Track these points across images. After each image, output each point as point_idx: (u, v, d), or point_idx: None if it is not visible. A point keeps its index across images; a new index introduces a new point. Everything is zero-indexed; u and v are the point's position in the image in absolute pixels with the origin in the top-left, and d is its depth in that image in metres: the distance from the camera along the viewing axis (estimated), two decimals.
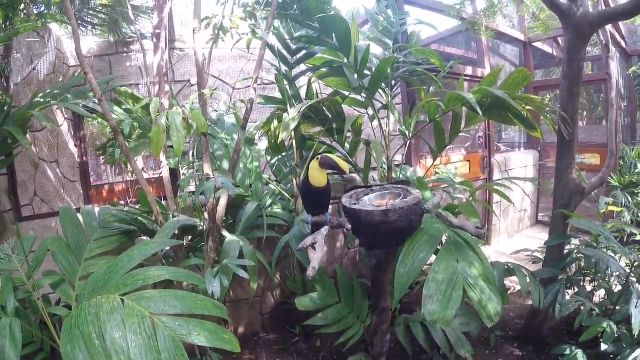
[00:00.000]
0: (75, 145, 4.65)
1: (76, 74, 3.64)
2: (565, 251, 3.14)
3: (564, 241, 3.08)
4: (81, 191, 4.72)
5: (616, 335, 2.45)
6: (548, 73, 9.80)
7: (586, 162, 6.30)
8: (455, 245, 1.91)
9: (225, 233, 2.43)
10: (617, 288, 2.97)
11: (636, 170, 5.27)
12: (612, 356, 2.52)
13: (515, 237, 6.21)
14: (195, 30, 2.02)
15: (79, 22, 4.75)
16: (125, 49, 4.74)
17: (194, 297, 1.52)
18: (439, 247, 2.05)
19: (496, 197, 5.72)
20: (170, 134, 1.66)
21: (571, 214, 2.94)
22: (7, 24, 2.67)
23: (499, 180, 4.24)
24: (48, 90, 2.89)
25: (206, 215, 2.17)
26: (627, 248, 2.86)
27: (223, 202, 2.15)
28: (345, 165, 1.87)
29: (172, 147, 2.74)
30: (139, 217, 2.44)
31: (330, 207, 3.41)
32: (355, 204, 1.87)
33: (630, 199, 4.73)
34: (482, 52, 5.79)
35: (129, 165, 5.07)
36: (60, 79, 4.00)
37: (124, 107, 2.84)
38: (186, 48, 4.48)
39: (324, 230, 1.80)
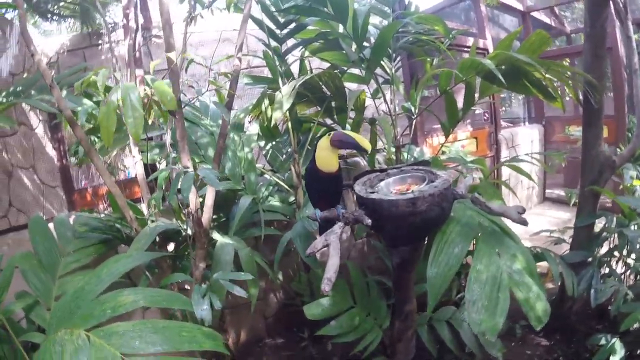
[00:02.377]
0: (54, 148, 4.31)
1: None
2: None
3: (594, 221, 2.81)
4: (63, 197, 4.39)
5: None
6: None
7: None
8: (493, 235, 1.60)
9: (216, 235, 2.07)
10: None
11: None
12: None
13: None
14: None
15: (48, 15, 4.37)
16: (99, 41, 4.37)
17: (178, 327, 1.19)
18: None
19: (504, 174, 5.46)
20: (124, 116, 1.30)
21: (604, 190, 2.66)
22: None
23: (518, 156, 3.94)
24: (11, 89, 2.53)
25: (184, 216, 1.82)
26: None
27: (209, 201, 1.77)
28: (367, 142, 1.51)
29: (149, 139, 2.42)
30: (115, 224, 2.10)
31: None
32: (372, 193, 1.53)
33: None
34: (482, 22, 5.47)
35: (118, 164, 4.74)
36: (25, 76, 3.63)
37: (95, 99, 2.48)
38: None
39: (337, 228, 1.45)
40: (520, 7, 6.34)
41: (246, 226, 2.58)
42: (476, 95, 2.79)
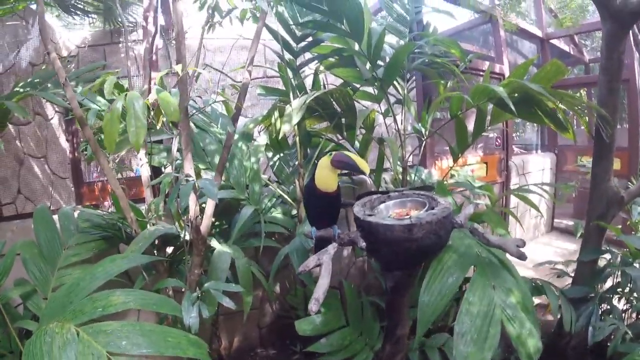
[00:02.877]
0: (67, 140, 4.38)
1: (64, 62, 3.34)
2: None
3: (598, 256, 2.75)
4: (72, 189, 4.45)
5: None
6: None
7: None
8: (490, 267, 1.57)
9: (214, 243, 2.09)
10: None
11: None
12: None
13: (531, 244, 5.85)
14: None
15: (71, 9, 4.48)
16: (120, 39, 4.46)
17: (164, 332, 1.21)
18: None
19: (512, 202, 5.40)
20: (127, 124, 1.33)
21: (610, 226, 2.62)
22: None
23: (525, 185, 3.89)
24: (29, 80, 2.60)
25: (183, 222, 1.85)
26: None
27: (209, 210, 1.79)
28: (366, 164, 1.52)
29: (157, 142, 2.45)
30: (117, 223, 2.13)
31: None
32: (370, 215, 1.52)
33: None
34: (500, 47, 5.45)
35: (131, 160, 4.78)
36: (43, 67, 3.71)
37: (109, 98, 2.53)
38: (186, 38, 4.17)
39: (331, 248, 1.45)
40: (539, 33, 6.32)
41: (247, 235, 2.59)
42: (488, 120, 2.78)
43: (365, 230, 1.48)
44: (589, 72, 7.70)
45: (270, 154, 3.10)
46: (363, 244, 1.44)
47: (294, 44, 2.77)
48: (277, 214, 2.72)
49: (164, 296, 1.47)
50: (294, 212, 2.76)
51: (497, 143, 5.50)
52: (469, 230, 1.53)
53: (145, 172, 2.06)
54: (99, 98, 2.37)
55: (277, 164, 3.07)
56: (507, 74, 5.30)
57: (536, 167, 6.03)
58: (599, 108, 2.48)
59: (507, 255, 1.68)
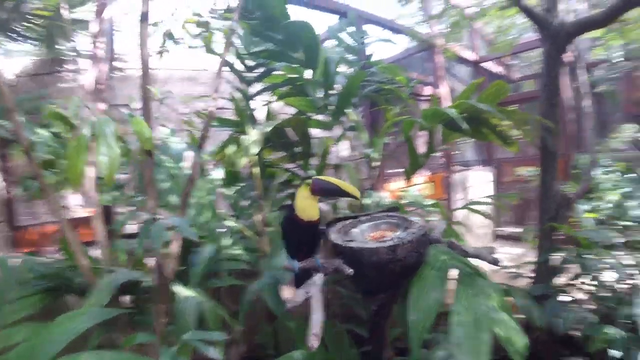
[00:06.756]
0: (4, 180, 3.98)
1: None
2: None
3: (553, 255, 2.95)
4: (7, 233, 4.02)
5: None
6: None
7: None
8: (468, 277, 1.60)
9: (176, 287, 1.92)
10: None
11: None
12: None
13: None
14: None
15: (8, 33, 4.16)
16: (61, 67, 4.20)
17: None
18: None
19: (459, 216, 5.62)
20: (96, 153, 1.18)
21: (562, 226, 2.85)
22: None
23: (472, 199, 4.08)
24: None
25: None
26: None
27: (175, 249, 1.65)
28: (351, 187, 1.47)
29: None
30: (65, 272, 1.91)
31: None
32: (350, 241, 1.49)
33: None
34: (437, 72, 5.80)
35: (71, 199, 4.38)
36: None
37: (52, 130, 2.32)
38: (127, 68, 4.02)
39: (318, 279, 1.37)
40: (473, 58, 6.84)
41: (207, 276, 2.43)
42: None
43: (347, 256, 1.43)
44: (517, 89, 8.49)
45: (224, 189, 2.99)
46: (350, 270, 1.38)
47: (246, 74, 2.74)
48: (238, 250, 2.58)
49: (140, 356, 1.30)
50: (255, 246, 2.65)
51: (440, 162, 5.77)
52: (447, 245, 1.56)
53: (98, 212, 1.88)
54: (40, 130, 2.15)
55: (232, 197, 2.96)
56: (446, 97, 5.63)
57: (478, 182, 6.34)
58: (545, 121, 2.73)
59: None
